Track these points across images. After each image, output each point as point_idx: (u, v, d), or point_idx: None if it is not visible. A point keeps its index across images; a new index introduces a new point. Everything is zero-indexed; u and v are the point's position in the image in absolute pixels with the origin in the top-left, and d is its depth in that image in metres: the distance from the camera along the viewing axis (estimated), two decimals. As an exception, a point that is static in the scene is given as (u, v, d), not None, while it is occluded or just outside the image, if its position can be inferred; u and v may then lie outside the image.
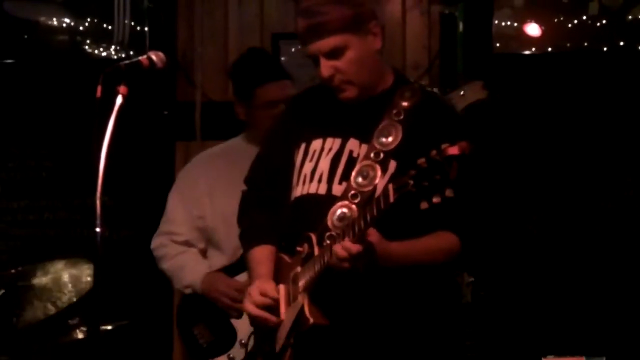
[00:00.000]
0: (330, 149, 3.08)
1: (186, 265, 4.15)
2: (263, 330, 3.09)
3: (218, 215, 4.13)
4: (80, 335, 3.98)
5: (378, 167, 2.95)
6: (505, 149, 5.22)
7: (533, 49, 5.60)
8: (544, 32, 5.55)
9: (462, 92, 4.14)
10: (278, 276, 3.08)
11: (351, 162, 3.02)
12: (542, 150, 5.24)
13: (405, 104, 3.02)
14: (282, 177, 3.17)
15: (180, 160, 5.42)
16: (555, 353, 4.46)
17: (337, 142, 3.08)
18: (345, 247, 2.76)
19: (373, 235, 2.79)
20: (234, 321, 4.01)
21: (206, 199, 4.17)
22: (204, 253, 4.24)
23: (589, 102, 5.27)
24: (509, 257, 5.21)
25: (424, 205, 2.58)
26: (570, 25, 5.57)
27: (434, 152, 2.55)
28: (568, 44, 5.62)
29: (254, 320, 3.10)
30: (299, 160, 3.13)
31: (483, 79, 5.25)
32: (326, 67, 3.01)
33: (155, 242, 4.29)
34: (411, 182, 2.57)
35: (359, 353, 2.99)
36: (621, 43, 5.52)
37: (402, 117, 2.99)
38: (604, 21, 5.54)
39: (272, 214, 3.20)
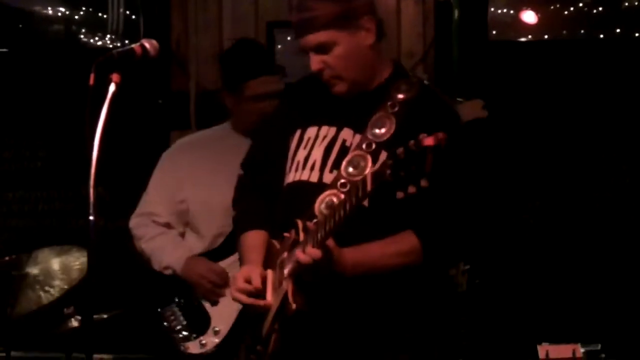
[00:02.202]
0: (324, 137, 3.08)
1: (166, 246, 4.14)
2: (251, 315, 3.10)
3: (199, 202, 4.13)
4: (75, 324, 3.97)
5: (369, 158, 2.95)
6: (501, 137, 5.22)
7: (529, 37, 5.59)
8: (540, 20, 5.55)
9: (460, 109, 4.08)
10: (268, 262, 3.08)
11: (344, 151, 3.02)
12: (538, 138, 5.24)
13: (401, 96, 3.01)
14: (277, 164, 3.18)
15: (175, 149, 5.42)
16: (550, 340, 4.46)
17: (332, 130, 3.08)
18: (308, 253, 2.79)
19: (329, 242, 2.79)
20: (208, 308, 4.02)
21: (188, 184, 4.17)
22: (182, 236, 4.24)
23: (585, 90, 5.27)
24: (504, 246, 5.22)
25: (399, 195, 2.58)
26: (566, 13, 5.57)
27: (411, 143, 2.54)
28: (564, 32, 5.62)
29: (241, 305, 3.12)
30: (294, 146, 3.14)
31: (478, 66, 5.28)
32: (315, 61, 3.03)
33: (134, 222, 4.27)
34: (389, 171, 2.57)
35: (343, 340, 2.99)
36: (617, 30, 5.52)
37: (396, 109, 2.99)
38: (600, 8, 5.54)
39: (267, 199, 3.20)
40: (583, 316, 5.07)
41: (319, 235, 2.79)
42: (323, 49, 3.00)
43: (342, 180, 2.94)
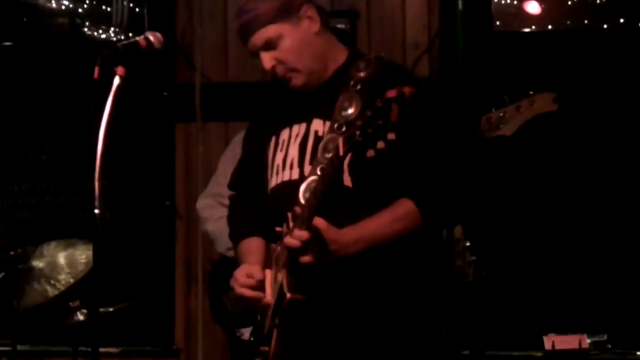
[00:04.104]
0: (297, 135, 3.11)
1: None
2: (256, 312, 3.12)
3: None
4: (81, 318, 3.98)
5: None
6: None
7: (533, 27, 5.59)
8: (544, 10, 5.53)
9: (531, 102, 4.05)
10: (267, 264, 3.10)
11: (318, 141, 3.03)
12: (542, 128, 5.23)
13: (361, 74, 3.03)
14: (262, 177, 3.21)
15: (180, 141, 5.43)
16: (557, 331, 4.48)
17: (303, 126, 3.11)
18: (295, 236, 2.84)
19: (319, 222, 2.82)
20: None
21: None
22: None
23: (590, 80, 5.26)
24: (510, 236, 5.21)
25: (370, 153, 2.67)
26: (570, 3, 5.55)
27: (377, 100, 2.64)
28: (568, 22, 5.60)
29: (244, 302, 3.13)
30: (271, 153, 3.17)
31: (483, 57, 5.28)
32: (266, 59, 3.06)
33: (202, 203, 4.32)
34: (357, 132, 2.66)
35: (342, 330, 2.99)
36: (621, 20, 5.51)
37: (359, 87, 3.01)
38: (604, -2, 5.53)
39: (259, 212, 3.23)
40: (589, 307, 5.07)
41: (304, 216, 2.84)
42: (271, 45, 3.05)
43: (321, 166, 2.95)
